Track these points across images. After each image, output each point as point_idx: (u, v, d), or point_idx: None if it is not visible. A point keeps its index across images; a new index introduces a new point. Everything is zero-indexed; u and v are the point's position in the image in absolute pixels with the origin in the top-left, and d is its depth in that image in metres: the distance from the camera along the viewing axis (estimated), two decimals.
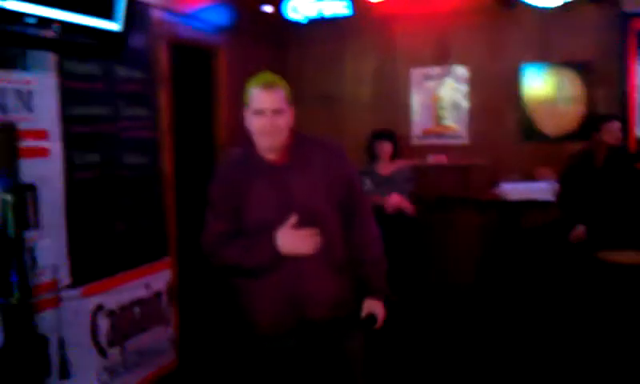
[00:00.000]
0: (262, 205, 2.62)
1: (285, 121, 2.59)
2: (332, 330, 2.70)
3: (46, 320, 3.62)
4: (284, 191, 2.62)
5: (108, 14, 3.73)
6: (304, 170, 2.65)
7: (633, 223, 5.07)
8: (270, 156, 2.63)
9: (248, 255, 2.61)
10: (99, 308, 4.05)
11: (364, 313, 2.74)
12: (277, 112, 2.56)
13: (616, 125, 5.20)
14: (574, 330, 5.09)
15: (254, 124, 2.58)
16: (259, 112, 2.56)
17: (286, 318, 2.65)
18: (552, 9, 6.04)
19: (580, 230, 5.13)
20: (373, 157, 5.86)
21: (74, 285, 3.84)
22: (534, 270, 5.81)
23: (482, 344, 5.20)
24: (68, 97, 3.85)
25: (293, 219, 2.53)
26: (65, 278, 3.78)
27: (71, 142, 3.87)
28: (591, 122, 5.50)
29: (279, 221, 2.55)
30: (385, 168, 5.80)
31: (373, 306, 2.76)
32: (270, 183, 2.62)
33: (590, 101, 6.16)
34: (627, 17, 5.92)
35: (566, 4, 5.93)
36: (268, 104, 2.56)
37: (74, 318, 3.82)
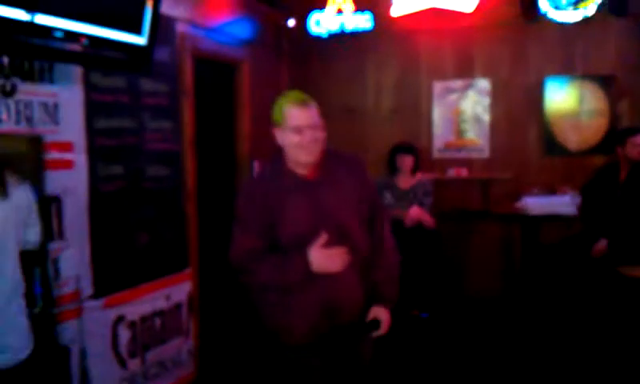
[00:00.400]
0: (296, 220, 2.66)
1: (322, 135, 2.67)
2: (356, 333, 2.80)
3: (68, 330, 3.66)
4: (318, 206, 2.68)
5: (134, 29, 3.76)
6: (335, 186, 2.73)
7: None
8: (303, 171, 2.70)
9: (280, 273, 2.66)
10: (120, 319, 4.09)
11: (370, 317, 2.81)
12: (314, 127, 2.64)
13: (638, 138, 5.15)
14: (596, 345, 5.04)
15: (293, 141, 2.63)
16: (297, 129, 2.62)
17: (321, 326, 2.72)
18: (575, 23, 6.00)
19: (602, 244, 5.08)
20: (393, 170, 5.85)
21: (96, 296, 3.87)
22: (557, 285, 5.76)
23: (505, 358, 5.16)
24: (93, 109, 3.89)
25: (324, 237, 2.59)
26: (87, 288, 3.81)
27: (96, 154, 3.91)
28: (615, 136, 5.45)
29: (313, 235, 2.61)
30: (405, 181, 5.79)
31: (379, 313, 2.82)
32: (303, 198, 2.68)
33: (613, 114, 6.12)
34: None
35: (588, 18, 5.89)
36: (306, 121, 2.63)
37: (95, 328, 3.87)
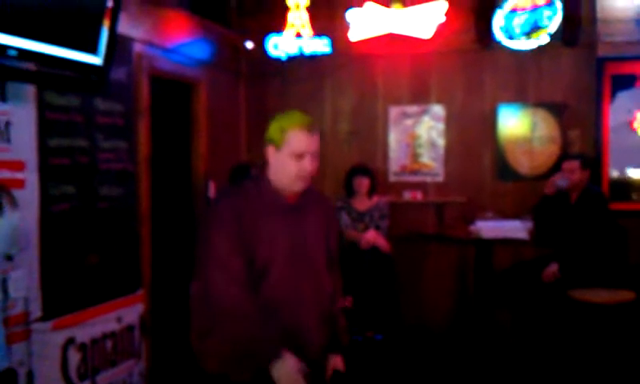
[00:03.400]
0: (273, 244, 2.50)
1: (318, 164, 2.55)
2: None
3: (16, 353, 3.55)
4: (297, 233, 2.57)
5: (90, 48, 3.73)
6: (310, 216, 2.65)
7: (604, 262, 5.11)
8: (284, 194, 2.58)
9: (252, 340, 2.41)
10: (70, 341, 3.99)
11: (330, 367, 2.65)
12: (315, 157, 2.52)
13: (570, 164, 5.27)
14: (548, 371, 5.09)
15: (290, 167, 2.48)
16: (300, 155, 2.47)
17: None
18: (528, 52, 6.13)
19: (553, 268, 5.14)
20: (350, 192, 5.90)
21: (44, 318, 3.78)
22: (510, 309, 5.82)
23: (457, 380, 5.19)
24: (46, 128, 3.83)
25: (304, 367, 2.37)
26: (36, 310, 3.72)
27: (48, 173, 3.84)
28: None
29: (285, 263, 2.50)
30: (362, 203, 5.85)
31: (337, 363, 2.68)
32: (282, 222, 2.55)
33: (565, 141, 6.24)
34: (602, 61, 6.03)
35: (541, 47, 6.03)
36: (309, 148, 2.48)
37: (43, 351, 3.76)
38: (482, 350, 5.72)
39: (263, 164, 2.61)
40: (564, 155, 5.92)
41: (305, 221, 2.61)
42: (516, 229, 5.62)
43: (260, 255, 2.47)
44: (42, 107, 3.80)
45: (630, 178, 6.12)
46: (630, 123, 6.05)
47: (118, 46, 4.10)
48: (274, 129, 2.53)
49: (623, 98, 6.07)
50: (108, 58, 3.86)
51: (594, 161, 5.73)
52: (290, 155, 2.47)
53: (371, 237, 5.58)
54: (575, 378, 4.91)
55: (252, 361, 2.41)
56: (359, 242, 5.57)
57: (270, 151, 2.54)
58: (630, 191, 6.12)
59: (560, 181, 5.25)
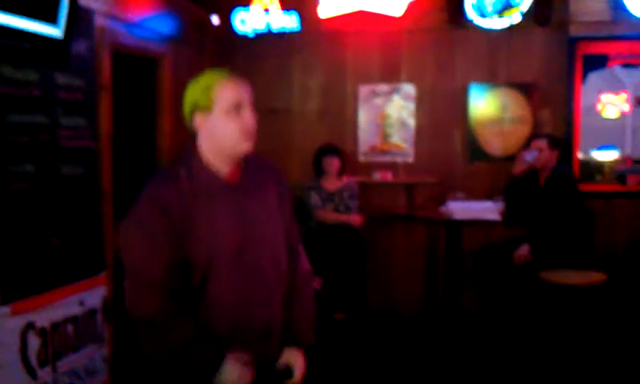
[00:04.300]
0: (216, 234, 2.14)
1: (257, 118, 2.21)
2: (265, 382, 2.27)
3: None
4: (242, 217, 2.20)
5: (49, 19, 3.57)
6: (258, 193, 2.28)
7: (574, 244, 5.11)
8: (223, 172, 2.21)
9: (187, 353, 2.12)
10: (29, 326, 3.84)
11: (282, 362, 2.32)
12: (253, 107, 2.19)
13: (538, 143, 5.27)
14: (519, 353, 5.08)
15: (231, 126, 2.14)
16: (238, 107, 2.15)
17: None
18: (500, 31, 6.08)
19: (524, 249, 5.14)
20: (319, 172, 5.82)
21: (2, 302, 3.63)
22: (479, 290, 5.80)
23: (427, 363, 5.15)
24: (3, 104, 3.65)
25: (248, 356, 2.13)
26: None
27: (5, 150, 3.67)
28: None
29: (232, 255, 2.15)
30: (332, 183, 5.78)
31: (293, 357, 2.34)
32: (225, 206, 2.18)
33: (536, 122, 6.21)
34: (574, 40, 6.01)
35: (513, 26, 5.97)
36: (247, 95, 2.18)
37: (1, 337, 3.61)
38: (450, 333, 5.69)
39: (191, 143, 2.26)
40: (533, 135, 5.89)
41: (252, 199, 2.24)
42: (487, 210, 5.59)
43: (199, 251, 2.12)
44: None
45: (595, 159, 6.15)
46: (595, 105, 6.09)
47: (79, 18, 3.95)
48: (195, 92, 2.18)
49: (595, 78, 6.05)
50: (69, 29, 3.71)
51: (562, 141, 5.70)
52: (226, 111, 2.14)
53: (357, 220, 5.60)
54: (546, 359, 4.91)
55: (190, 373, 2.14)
56: (325, 222, 5.55)
57: (198, 119, 2.19)
58: (595, 172, 6.15)
59: (528, 155, 5.24)
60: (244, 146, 2.18)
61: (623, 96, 6.02)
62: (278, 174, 2.41)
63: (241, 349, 2.15)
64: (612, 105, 6.05)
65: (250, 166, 2.29)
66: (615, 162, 6.10)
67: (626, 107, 6.02)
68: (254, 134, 2.20)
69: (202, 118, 2.18)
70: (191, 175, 2.18)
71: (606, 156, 6.12)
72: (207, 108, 2.16)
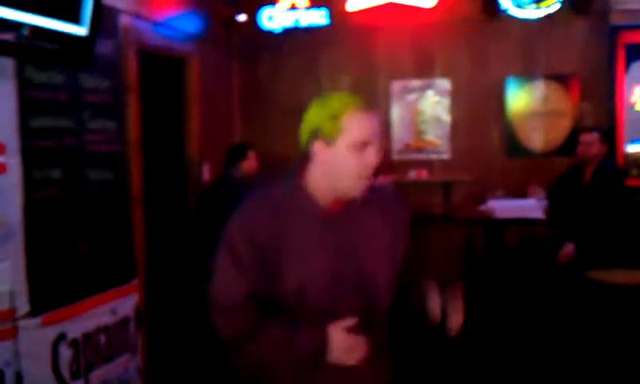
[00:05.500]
0: (309, 268, 1.99)
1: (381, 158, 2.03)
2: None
3: (2, 353, 3.33)
4: (339, 252, 2.02)
5: (73, 18, 3.46)
6: (364, 225, 2.08)
7: (621, 241, 4.92)
8: (327, 203, 2.04)
9: (285, 346, 1.99)
10: (61, 337, 3.75)
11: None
12: (379, 146, 1.99)
13: (588, 137, 5.04)
14: (564, 351, 4.92)
15: (352, 163, 1.95)
16: (364, 146, 1.94)
17: None
18: (537, 21, 5.94)
19: (569, 248, 4.97)
20: None
21: (32, 313, 3.54)
22: (522, 290, 5.62)
23: (471, 365, 4.99)
24: (28, 107, 3.55)
25: (351, 320, 1.98)
26: (23, 306, 3.48)
27: (31, 156, 3.57)
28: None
29: (325, 288, 2.00)
30: None
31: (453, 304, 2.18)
32: (323, 239, 2.01)
33: (576, 115, 6.04)
34: (615, 30, 5.84)
35: (551, 16, 5.80)
36: (376, 134, 1.97)
37: (32, 349, 3.53)
38: (493, 334, 5.51)
39: (296, 165, 2.09)
40: (580, 128, 5.64)
41: (356, 231, 2.06)
42: (531, 208, 5.42)
43: (288, 283, 1.99)
44: (23, 84, 3.53)
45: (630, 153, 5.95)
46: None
47: (103, 17, 3.84)
48: (319, 117, 1.97)
49: (638, 68, 5.84)
50: (93, 28, 3.59)
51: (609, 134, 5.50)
52: (351, 147, 1.93)
53: None
54: (592, 360, 4.72)
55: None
56: None
57: (318, 147, 1.97)
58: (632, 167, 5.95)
59: None
60: (359, 187, 1.99)
61: None
62: (397, 207, 2.22)
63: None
64: None
65: (366, 196, 2.07)
66: None
67: None
68: (371, 175, 1.99)
69: (322, 147, 1.98)
70: (290, 200, 2.04)
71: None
72: (331, 138, 1.96)
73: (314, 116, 1.99)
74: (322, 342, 1.96)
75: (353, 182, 1.97)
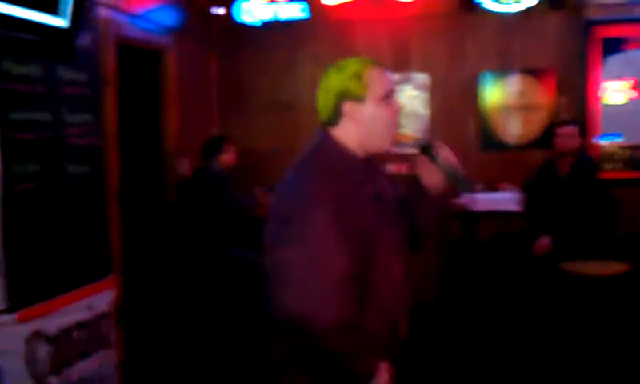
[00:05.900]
0: (374, 228, 2.06)
1: None
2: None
3: None
4: (385, 209, 2.15)
5: (53, 9, 3.39)
6: (383, 182, 2.23)
7: (596, 234, 4.98)
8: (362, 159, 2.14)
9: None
10: (37, 334, 3.68)
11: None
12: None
13: (568, 130, 5.10)
14: (539, 343, 4.96)
15: (383, 115, 2.07)
16: (389, 95, 2.09)
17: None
18: (513, 15, 5.97)
19: (545, 240, 5.04)
20: None
21: (9, 310, 3.46)
22: (498, 282, 5.66)
23: (444, 358, 5.01)
24: (7, 100, 3.48)
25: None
26: (1, 302, 3.40)
27: (10, 149, 3.49)
28: (552, 130, 5.43)
29: (386, 250, 2.09)
30: None
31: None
32: (374, 199, 2.12)
33: (553, 109, 6.08)
34: (591, 24, 5.88)
35: (527, 11, 5.84)
36: (393, 85, 2.15)
37: (8, 345, 3.45)
38: (465, 324, 5.55)
39: (321, 134, 2.17)
40: (557, 121, 5.66)
41: (383, 191, 2.19)
42: (507, 200, 5.45)
43: (363, 240, 2.01)
44: (2, 76, 3.45)
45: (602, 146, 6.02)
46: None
47: (82, 9, 3.78)
48: (343, 80, 2.07)
49: (614, 62, 5.89)
50: (75, 20, 3.52)
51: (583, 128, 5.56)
52: (378, 100, 2.06)
53: None
54: (567, 351, 4.78)
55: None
56: None
57: (350, 107, 2.06)
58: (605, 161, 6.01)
59: None
60: (392, 137, 2.14)
61: (630, 82, 5.88)
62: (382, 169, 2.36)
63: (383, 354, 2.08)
64: (617, 91, 5.91)
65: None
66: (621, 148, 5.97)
67: (633, 93, 5.89)
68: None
69: (354, 108, 2.08)
70: (340, 162, 2.10)
71: (610, 143, 6.00)
72: (360, 97, 2.07)
73: (337, 80, 2.08)
74: (374, 367, 1.99)
75: (386, 132, 2.10)
